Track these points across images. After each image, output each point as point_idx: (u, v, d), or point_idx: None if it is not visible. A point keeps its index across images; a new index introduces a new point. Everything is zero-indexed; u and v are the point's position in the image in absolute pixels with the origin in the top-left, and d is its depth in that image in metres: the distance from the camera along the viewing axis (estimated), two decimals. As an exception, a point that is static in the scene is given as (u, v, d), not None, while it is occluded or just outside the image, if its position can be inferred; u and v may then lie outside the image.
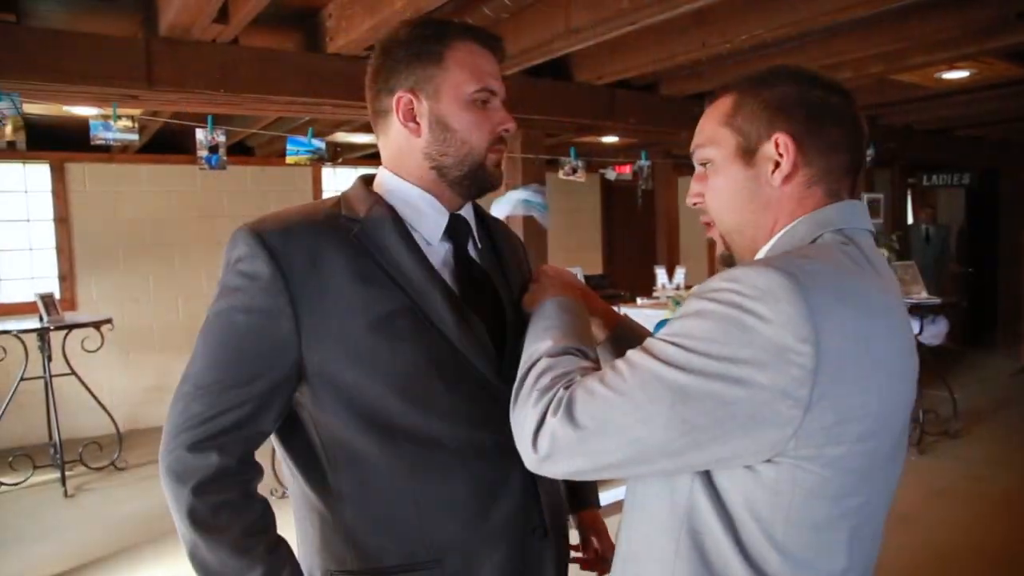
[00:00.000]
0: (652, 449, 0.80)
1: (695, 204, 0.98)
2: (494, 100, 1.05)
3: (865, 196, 6.09)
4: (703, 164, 0.96)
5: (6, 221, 5.64)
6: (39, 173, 5.68)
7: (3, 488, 4.53)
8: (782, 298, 0.75)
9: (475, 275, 1.10)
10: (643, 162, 4.58)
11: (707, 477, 0.85)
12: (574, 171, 4.29)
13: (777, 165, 0.90)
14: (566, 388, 0.86)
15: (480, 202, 1.20)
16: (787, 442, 0.78)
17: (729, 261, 0.97)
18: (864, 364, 0.78)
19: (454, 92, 1.02)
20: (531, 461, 0.87)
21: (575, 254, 7.64)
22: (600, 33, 2.90)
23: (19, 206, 5.65)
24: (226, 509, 0.96)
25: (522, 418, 0.88)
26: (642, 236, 7.95)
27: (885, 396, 0.81)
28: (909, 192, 8.22)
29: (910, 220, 8.11)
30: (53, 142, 5.38)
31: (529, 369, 0.93)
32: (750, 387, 0.76)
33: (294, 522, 1.11)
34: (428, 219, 1.07)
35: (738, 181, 0.92)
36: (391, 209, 1.04)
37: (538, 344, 0.96)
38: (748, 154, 0.91)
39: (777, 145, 0.89)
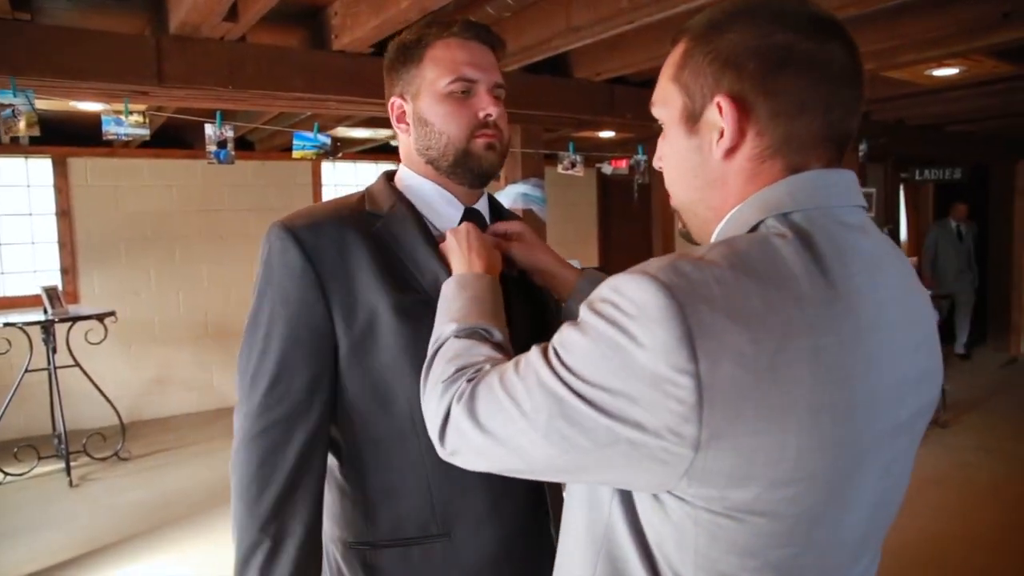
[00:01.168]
0: (538, 462, 0.72)
1: (659, 167, 0.83)
2: (475, 87, 1.09)
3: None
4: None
5: (9, 215, 5.68)
6: (41, 167, 5.72)
7: (9, 478, 4.59)
8: (655, 318, 0.62)
9: None
10: (640, 156, 4.65)
11: (627, 497, 0.73)
12: (572, 165, 4.36)
13: (722, 134, 0.72)
14: (469, 381, 0.79)
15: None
16: (678, 480, 0.65)
17: (688, 238, 0.83)
18: (771, 398, 0.62)
19: (430, 89, 1.09)
20: (441, 454, 0.83)
21: (572, 247, 7.71)
22: (599, 32, 2.96)
23: (21, 200, 5.69)
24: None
25: (430, 409, 0.84)
26: (638, 229, 8.04)
27: (814, 434, 0.64)
28: (902, 187, 8.31)
29: (903, 215, 8.20)
30: (55, 137, 5.42)
31: (435, 354, 0.89)
32: (625, 422, 0.64)
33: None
34: (442, 213, 1.14)
35: (681, 152, 0.77)
36: (410, 205, 1.12)
37: (443, 327, 0.92)
38: (692, 119, 0.75)
39: (720, 110, 0.71)
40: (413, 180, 1.15)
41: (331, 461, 1.12)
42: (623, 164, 5.26)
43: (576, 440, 0.67)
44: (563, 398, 0.67)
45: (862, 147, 6.01)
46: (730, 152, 0.73)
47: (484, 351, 0.85)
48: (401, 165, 1.19)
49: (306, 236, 1.04)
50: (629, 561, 0.73)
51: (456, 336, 0.88)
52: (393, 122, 1.16)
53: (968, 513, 3.80)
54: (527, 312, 1.15)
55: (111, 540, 3.68)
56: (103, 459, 4.94)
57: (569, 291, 1.13)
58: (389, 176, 1.18)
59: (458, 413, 0.78)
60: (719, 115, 0.72)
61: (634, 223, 8.03)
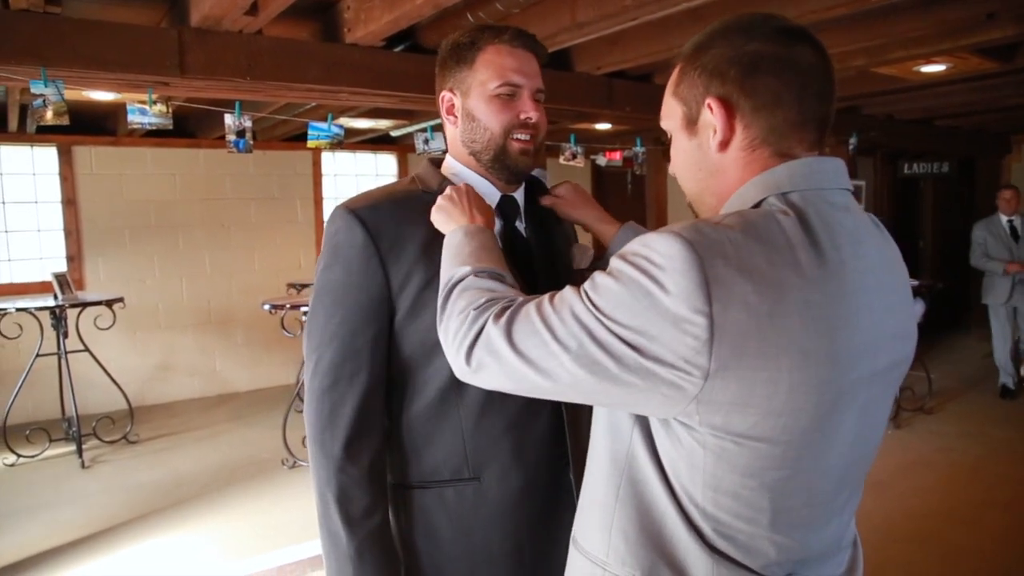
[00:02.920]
0: (564, 383, 0.82)
1: (673, 173, 0.99)
2: (520, 92, 1.23)
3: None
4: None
5: (15, 203, 5.76)
6: (47, 156, 5.80)
7: (22, 459, 4.70)
8: (679, 269, 0.75)
9: (518, 246, 1.30)
10: (638, 148, 4.78)
11: (646, 428, 0.87)
12: (574, 156, 4.48)
13: (715, 131, 0.87)
14: (504, 309, 0.89)
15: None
16: (688, 405, 0.78)
17: None
18: (769, 340, 0.75)
19: (480, 89, 1.22)
20: (461, 372, 0.92)
21: (568, 238, 7.84)
22: (603, 28, 3.09)
23: (27, 188, 5.78)
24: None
25: (452, 330, 0.92)
26: (632, 219, 8.18)
27: (802, 373, 0.77)
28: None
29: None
30: (61, 125, 5.50)
31: (453, 288, 0.98)
32: (648, 355, 0.77)
33: None
34: (483, 196, 1.26)
35: (687, 151, 0.92)
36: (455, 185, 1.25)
37: (457, 268, 1.01)
38: (691, 123, 0.90)
39: (711, 110, 0.86)
40: (458, 168, 1.29)
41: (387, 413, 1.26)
42: (617, 156, 5.39)
43: (604, 365, 0.79)
44: (594, 329, 0.79)
45: (852, 140, 6.16)
46: (724, 144, 0.87)
47: (509, 289, 0.97)
48: (448, 155, 1.32)
49: (367, 216, 1.18)
50: (648, 482, 0.87)
51: (476, 275, 0.98)
52: (442, 113, 1.29)
53: (949, 493, 3.97)
54: (527, 276, 1.27)
55: (127, 518, 3.80)
56: (112, 442, 5.05)
57: (609, 241, 1.33)
58: (435, 163, 1.32)
59: (495, 334, 0.86)
60: (711, 115, 0.86)
61: (628, 214, 8.16)
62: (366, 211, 1.19)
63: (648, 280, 0.77)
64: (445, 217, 1.14)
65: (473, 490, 1.21)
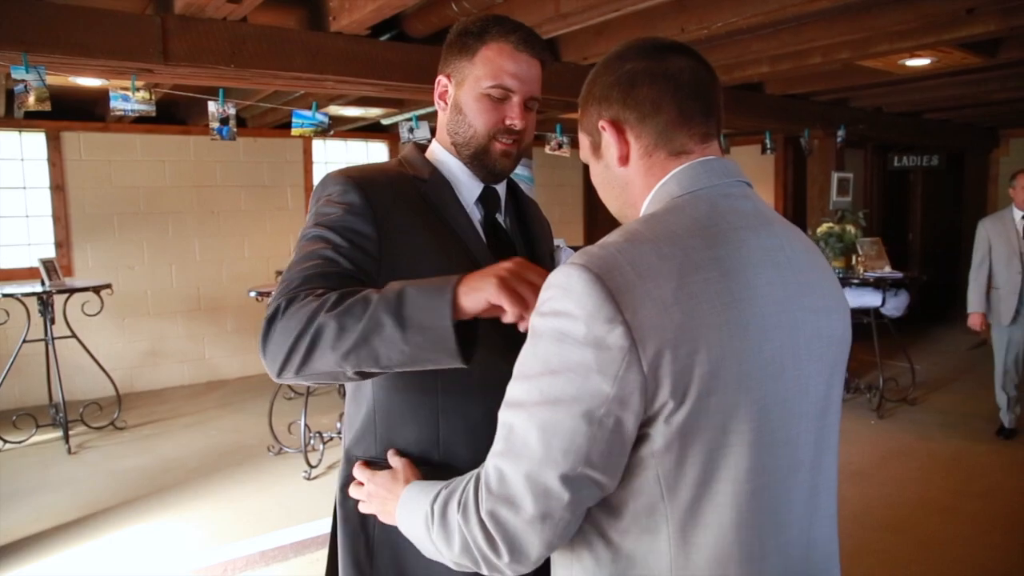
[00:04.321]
0: (560, 467, 0.81)
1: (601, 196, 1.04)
2: (511, 97, 1.22)
3: (835, 175, 6.36)
4: None
5: (3, 189, 5.75)
6: (35, 141, 5.78)
7: (8, 445, 4.72)
8: (580, 291, 0.78)
9: (500, 236, 1.31)
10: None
11: None
12: (560, 146, 4.50)
13: (614, 148, 0.94)
14: (475, 489, 0.88)
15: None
16: (642, 414, 0.80)
17: None
18: (684, 324, 0.78)
19: (473, 83, 1.22)
20: (513, 567, 0.87)
21: (558, 226, 7.86)
22: (587, 18, 3.11)
23: (15, 174, 5.76)
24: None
25: (465, 547, 0.88)
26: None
27: (721, 347, 0.80)
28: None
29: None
30: (49, 111, 5.48)
31: (435, 518, 0.94)
32: (594, 395, 0.78)
33: (345, 414, 1.32)
34: (465, 187, 1.28)
35: (598, 174, 1.00)
36: (442, 175, 1.27)
37: (422, 508, 0.98)
38: (596, 149, 0.98)
39: (603, 130, 0.94)
40: (443, 155, 1.29)
41: (363, 388, 1.25)
42: (609, 146, 5.40)
43: (571, 444, 0.80)
44: (540, 416, 0.81)
45: (840, 133, 6.20)
46: (624, 159, 0.94)
47: (458, 482, 0.94)
48: (434, 141, 1.32)
49: (363, 183, 1.18)
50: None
51: (433, 502, 0.95)
52: (436, 96, 1.28)
53: (927, 482, 4.02)
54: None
55: (113, 503, 3.82)
56: (99, 428, 5.07)
57: None
58: (420, 148, 1.32)
59: (491, 507, 0.85)
60: (607, 135, 0.94)
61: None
62: (361, 179, 1.18)
63: (555, 318, 0.80)
64: (380, 506, 1.12)
65: (441, 476, 1.22)
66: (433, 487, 0.99)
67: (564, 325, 0.79)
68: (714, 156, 0.93)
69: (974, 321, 4.72)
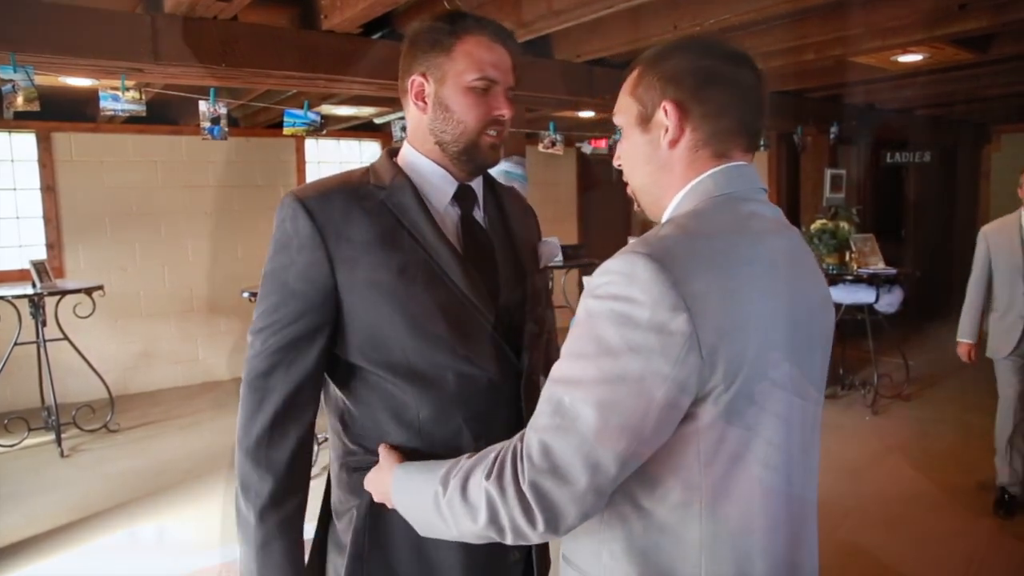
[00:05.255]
0: (628, 456, 0.85)
1: (618, 165, 1.07)
2: (495, 88, 1.21)
3: (828, 171, 6.37)
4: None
5: (-7, 189, 5.70)
6: (25, 142, 5.74)
7: (0, 449, 4.69)
8: (646, 278, 0.83)
9: (477, 235, 1.29)
10: (619, 136, 4.79)
11: None
12: (553, 144, 4.49)
13: (667, 130, 0.97)
14: (507, 461, 0.90)
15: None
16: (696, 392, 0.85)
17: (644, 216, 1.08)
18: (735, 311, 0.86)
19: (456, 79, 1.20)
20: (544, 535, 0.88)
21: (552, 224, 7.85)
22: (579, 15, 3.09)
23: (6, 175, 5.72)
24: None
25: (494, 512, 0.89)
26: (616, 207, 8.21)
27: (758, 337, 0.87)
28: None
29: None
30: (39, 111, 5.44)
31: (447, 493, 0.95)
32: (655, 375, 0.83)
33: (328, 427, 1.32)
34: (437, 188, 1.26)
35: (638, 145, 1.01)
36: (409, 179, 1.24)
37: (430, 488, 0.99)
38: (645, 121, 0.99)
39: (666, 112, 0.96)
40: (414, 158, 1.27)
41: (340, 396, 1.24)
42: (602, 144, 5.39)
43: (628, 421, 0.83)
44: (597, 394, 0.84)
45: (833, 129, 6.21)
46: (674, 143, 0.98)
47: (471, 458, 0.98)
48: (405, 143, 1.30)
49: (316, 206, 1.17)
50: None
51: (443, 480, 0.97)
52: (410, 98, 1.25)
53: (922, 478, 4.02)
54: (489, 263, 1.28)
55: (107, 505, 3.80)
56: (92, 431, 5.04)
57: None
58: (392, 153, 1.30)
59: (534, 478, 0.86)
60: (665, 116, 0.97)
61: (613, 202, 8.18)
62: (315, 201, 1.17)
63: (617, 302, 0.84)
64: (379, 487, 1.15)
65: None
66: (432, 467, 1.02)
67: (627, 309, 0.84)
68: (746, 163, 1.00)
69: (962, 352, 3.80)
